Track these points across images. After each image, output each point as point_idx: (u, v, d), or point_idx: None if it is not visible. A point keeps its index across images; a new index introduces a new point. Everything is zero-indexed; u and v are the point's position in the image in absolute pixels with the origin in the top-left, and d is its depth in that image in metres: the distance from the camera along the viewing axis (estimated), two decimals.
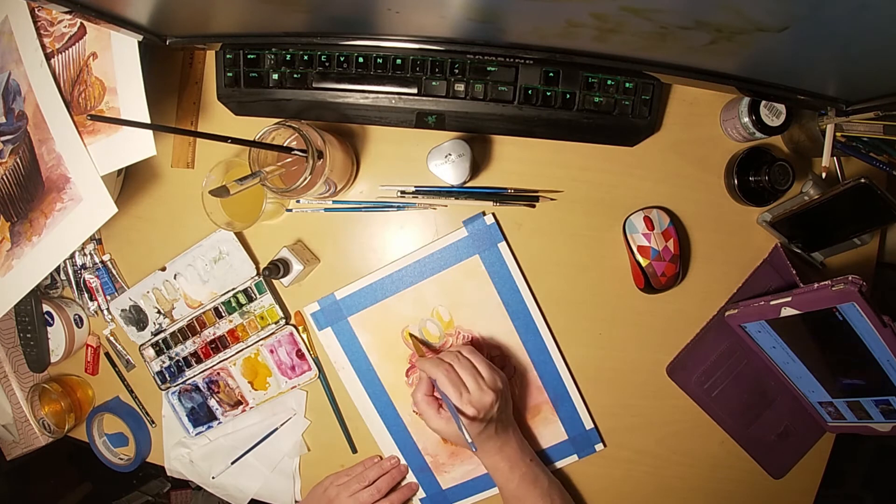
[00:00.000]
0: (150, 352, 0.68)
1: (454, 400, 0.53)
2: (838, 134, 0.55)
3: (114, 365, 0.71)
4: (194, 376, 0.68)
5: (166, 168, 0.66)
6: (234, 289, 0.65)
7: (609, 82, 0.56)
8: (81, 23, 0.55)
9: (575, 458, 0.66)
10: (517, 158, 0.62)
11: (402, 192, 0.62)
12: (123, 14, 0.49)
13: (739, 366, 0.64)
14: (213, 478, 0.69)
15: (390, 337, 0.64)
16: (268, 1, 0.46)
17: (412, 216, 0.64)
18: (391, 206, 0.63)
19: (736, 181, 0.59)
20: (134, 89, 0.53)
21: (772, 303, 0.55)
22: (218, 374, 0.67)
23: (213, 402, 0.68)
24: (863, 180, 0.49)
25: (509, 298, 0.62)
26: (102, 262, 0.68)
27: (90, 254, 0.68)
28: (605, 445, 0.65)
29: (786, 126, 0.57)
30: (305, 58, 0.57)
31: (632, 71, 0.54)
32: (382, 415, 0.65)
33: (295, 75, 0.57)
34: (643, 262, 0.60)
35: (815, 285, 0.51)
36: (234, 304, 0.65)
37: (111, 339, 0.70)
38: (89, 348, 0.71)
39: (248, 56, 0.57)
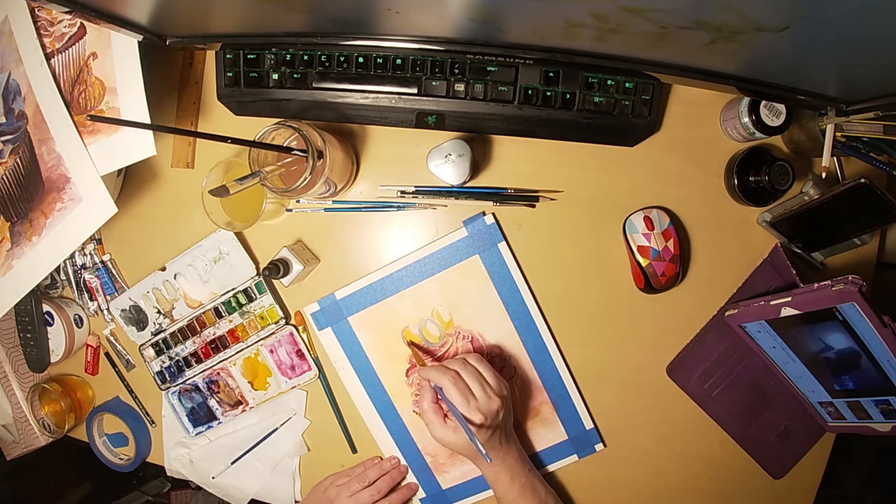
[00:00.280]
0: (150, 352, 0.68)
1: (461, 408, 0.52)
2: (838, 134, 0.55)
3: (114, 365, 0.71)
4: (194, 376, 0.68)
5: (166, 168, 0.66)
6: (234, 289, 0.65)
7: (609, 82, 0.56)
8: (81, 23, 0.55)
9: (575, 458, 0.66)
10: (517, 158, 0.62)
11: (402, 192, 0.62)
12: (123, 14, 0.49)
13: (739, 366, 0.64)
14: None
15: (390, 337, 0.64)
16: (268, 1, 0.46)
17: (412, 216, 0.64)
18: (391, 206, 0.63)
19: (736, 181, 0.59)
20: (134, 89, 0.53)
21: (772, 303, 0.55)
22: (218, 374, 0.67)
23: (213, 402, 0.68)
24: (863, 180, 0.50)
25: (509, 298, 0.62)
26: (102, 262, 0.68)
27: (90, 254, 0.68)
28: (605, 445, 0.66)
29: (786, 126, 0.57)
30: (305, 58, 0.57)
31: (632, 71, 0.54)
32: (382, 415, 0.65)
33: (295, 75, 0.57)
34: (643, 262, 0.60)
35: (815, 285, 0.51)
36: (234, 304, 0.65)
37: (111, 339, 0.70)
38: (89, 348, 0.71)
39: (248, 56, 0.57)
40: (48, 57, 0.56)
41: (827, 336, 0.54)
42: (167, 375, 0.68)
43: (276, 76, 0.57)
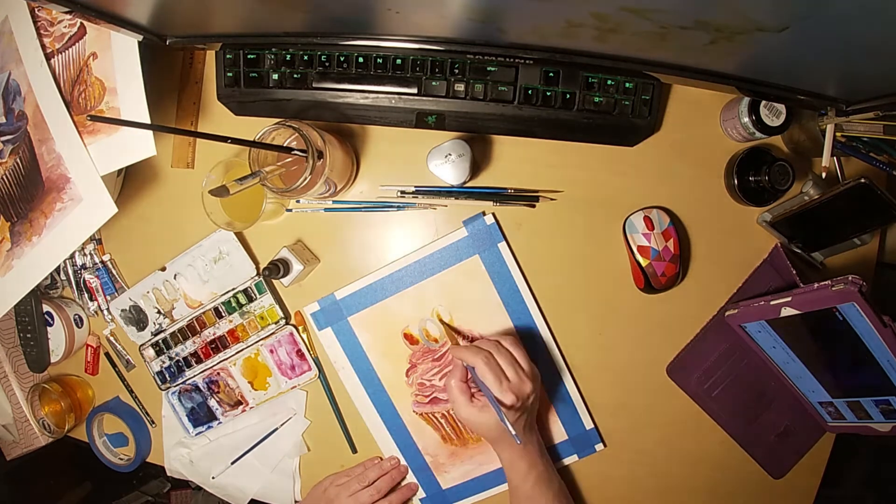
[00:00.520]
0: (150, 352, 0.68)
1: (494, 388, 0.51)
2: (838, 134, 0.55)
3: (114, 365, 0.71)
4: (194, 376, 0.68)
5: (166, 168, 0.66)
6: (234, 289, 0.65)
7: (609, 82, 0.56)
8: (81, 23, 0.55)
9: (575, 458, 0.66)
10: (517, 158, 0.62)
11: (402, 192, 0.62)
12: (123, 14, 0.49)
13: (739, 366, 0.64)
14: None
15: (390, 337, 0.64)
16: (268, 1, 0.46)
17: (412, 216, 0.64)
18: (391, 206, 0.63)
19: (736, 181, 0.59)
20: (134, 89, 0.53)
21: (772, 303, 0.55)
22: (218, 374, 0.67)
23: (213, 402, 0.68)
24: (863, 180, 0.50)
25: (509, 298, 0.62)
26: (102, 262, 0.68)
27: (90, 254, 0.68)
28: (605, 445, 0.65)
29: (786, 126, 0.57)
30: (305, 58, 0.57)
31: (632, 71, 0.54)
32: (382, 415, 0.65)
33: (295, 75, 0.57)
34: (643, 262, 0.60)
35: (815, 285, 0.51)
36: (234, 304, 0.65)
37: (111, 339, 0.70)
38: (89, 348, 0.71)
39: (248, 56, 0.57)
40: (48, 57, 0.56)
41: (827, 336, 0.54)
42: (167, 375, 0.68)
43: (276, 76, 0.57)
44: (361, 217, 0.64)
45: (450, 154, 0.56)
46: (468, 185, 0.62)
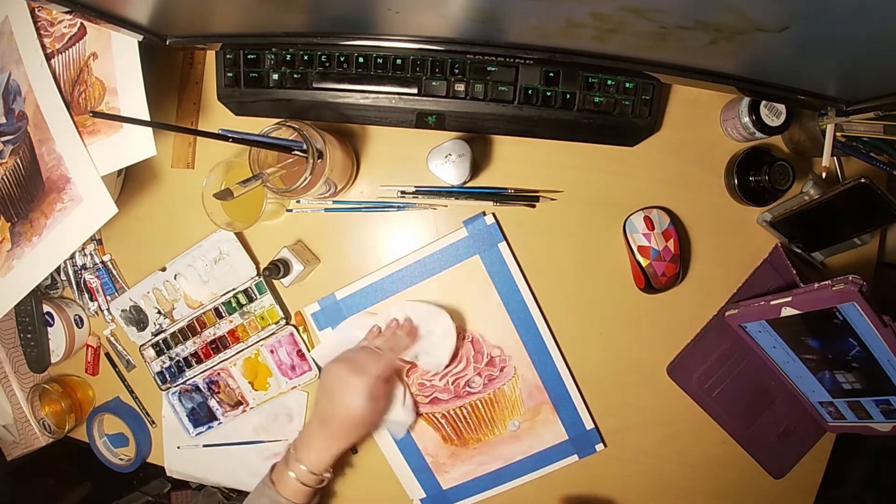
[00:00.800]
0: (151, 352, 0.68)
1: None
2: (838, 134, 0.55)
3: (114, 365, 0.71)
4: (194, 376, 0.68)
5: (166, 168, 0.66)
6: (234, 289, 0.65)
7: (609, 82, 0.56)
8: (81, 23, 0.55)
9: (575, 458, 0.66)
10: (517, 158, 0.62)
11: (402, 192, 0.62)
12: (123, 14, 0.49)
13: (739, 366, 0.64)
14: (178, 447, 0.70)
15: None
16: (268, 1, 0.46)
17: (412, 216, 0.64)
18: (391, 206, 0.63)
19: (736, 181, 0.59)
20: (134, 89, 0.53)
21: (772, 303, 0.55)
22: (218, 374, 0.67)
23: (213, 403, 0.68)
24: (863, 180, 0.50)
25: (509, 298, 0.62)
26: (102, 262, 0.68)
27: (90, 254, 0.68)
28: (605, 445, 0.65)
29: (786, 126, 0.57)
30: (305, 58, 0.57)
31: (632, 71, 0.54)
32: None
33: (295, 75, 0.57)
34: (643, 262, 0.60)
35: (815, 285, 0.51)
36: (234, 305, 0.65)
37: (111, 339, 0.70)
38: (89, 349, 0.71)
39: (248, 56, 0.57)
40: (48, 57, 0.56)
41: (827, 336, 0.54)
42: (167, 376, 0.68)
43: (276, 76, 0.57)
44: (361, 217, 0.64)
45: (450, 154, 0.56)
46: (468, 185, 0.62)
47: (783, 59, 0.44)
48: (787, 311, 0.54)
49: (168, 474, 0.72)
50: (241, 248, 0.63)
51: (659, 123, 0.61)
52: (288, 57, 0.57)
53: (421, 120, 0.59)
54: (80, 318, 0.70)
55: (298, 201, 0.64)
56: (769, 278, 0.62)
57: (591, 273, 0.63)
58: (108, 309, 0.68)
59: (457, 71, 0.56)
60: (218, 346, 0.66)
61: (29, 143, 0.57)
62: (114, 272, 0.68)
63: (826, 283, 0.50)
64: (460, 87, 0.56)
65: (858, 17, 0.33)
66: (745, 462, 0.66)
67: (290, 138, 0.53)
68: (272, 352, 0.66)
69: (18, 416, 0.72)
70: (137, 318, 0.68)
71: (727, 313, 0.61)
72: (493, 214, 0.62)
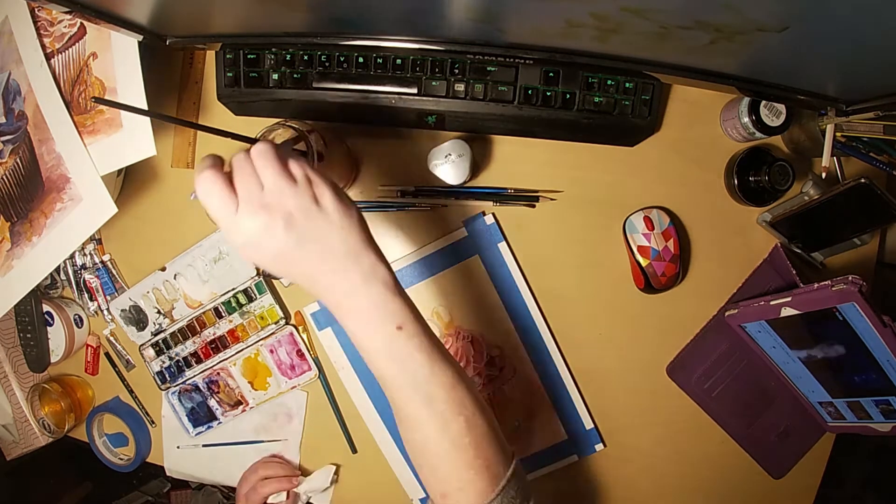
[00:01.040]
0: (150, 352, 0.68)
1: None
2: (838, 134, 0.55)
3: (114, 365, 0.71)
4: (194, 376, 0.68)
5: (166, 168, 0.66)
6: (234, 289, 0.65)
7: (609, 82, 0.56)
8: (81, 23, 0.55)
9: (575, 458, 0.66)
10: (517, 158, 0.62)
11: (402, 192, 0.62)
12: (123, 14, 0.49)
13: (739, 366, 0.64)
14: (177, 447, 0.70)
15: None
16: (268, 1, 0.46)
17: (412, 216, 0.64)
18: (391, 206, 0.63)
19: (736, 181, 0.59)
20: (134, 89, 0.53)
21: (772, 303, 0.55)
22: (218, 374, 0.67)
23: (213, 402, 0.68)
24: (863, 180, 0.50)
25: (509, 298, 0.62)
26: (102, 262, 0.68)
27: (90, 254, 0.68)
28: (605, 445, 0.65)
29: (786, 126, 0.57)
30: (305, 58, 0.57)
31: (632, 71, 0.54)
32: (382, 415, 0.65)
33: (295, 75, 0.57)
34: (643, 262, 0.60)
35: (815, 285, 0.51)
36: (234, 304, 0.65)
37: (111, 339, 0.70)
38: (89, 348, 0.71)
39: (248, 56, 0.57)
40: (48, 57, 0.56)
41: (827, 336, 0.54)
42: (167, 375, 0.68)
43: (276, 76, 0.57)
44: None
45: (450, 154, 0.56)
46: (468, 185, 0.62)
47: (783, 59, 0.44)
48: (787, 311, 0.54)
49: (168, 474, 0.72)
50: None
51: (659, 123, 0.61)
52: (288, 57, 0.57)
53: (421, 120, 0.59)
54: (79, 317, 0.70)
55: None
56: (769, 278, 0.62)
57: (590, 273, 0.63)
58: (107, 309, 0.68)
59: (457, 71, 0.56)
60: (218, 345, 0.66)
61: (29, 143, 0.57)
62: (113, 272, 0.68)
63: (826, 283, 0.50)
64: (460, 87, 0.56)
65: (858, 17, 0.33)
66: (745, 462, 0.66)
67: (290, 138, 0.53)
68: (272, 351, 0.66)
69: (18, 415, 0.72)
70: (137, 318, 0.68)
71: (727, 313, 0.61)
72: (493, 214, 0.62)
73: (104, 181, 0.54)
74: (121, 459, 0.73)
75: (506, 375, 0.63)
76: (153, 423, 0.71)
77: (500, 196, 0.61)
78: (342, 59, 0.56)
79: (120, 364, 0.71)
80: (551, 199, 0.62)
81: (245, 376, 0.67)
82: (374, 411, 0.65)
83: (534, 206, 0.62)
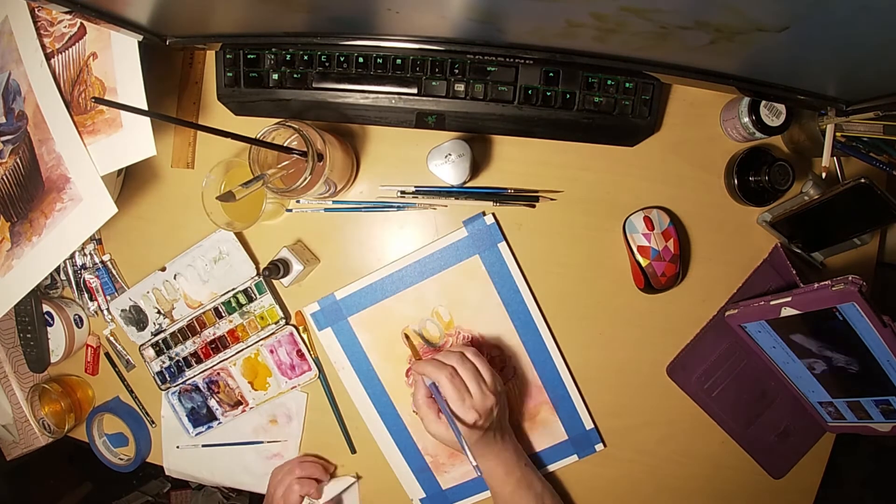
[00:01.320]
0: (150, 352, 0.68)
1: (456, 406, 0.51)
2: (838, 134, 0.55)
3: (114, 365, 0.71)
4: (194, 376, 0.68)
5: (166, 168, 0.66)
6: (234, 289, 0.65)
7: (609, 82, 0.56)
8: (81, 23, 0.55)
9: (575, 458, 0.66)
10: (517, 158, 0.62)
11: (402, 192, 0.62)
12: (123, 14, 0.49)
13: (739, 366, 0.64)
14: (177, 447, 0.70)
15: (390, 337, 0.64)
16: (268, 1, 0.46)
17: (412, 216, 0.64)
18: (391, 206, 0.63)
19: (736, 181, 0.59)
20: (134, 89, 0.53)
21: (772, 303, 0.55)
22: (218, 374, 0.67)
23: (213, 403, 0.68)
24: (863, 180, 0.50)
25: (509, 298, 0.62)
26: (102, 262, 0.68)
27: (90, 254, 0.68)
28: (605, 445, 0.65)
29: (786, 126, 0.57)
30: (305, 58, 0.57)
31: (632, 71, 0.54)
32: (382, 415, 0.65)
33: (295, 75, 0.57)
34: (643, 262, 0.60)
35: (815, 285, 0.51)
36: (234, 305, 0.65)
37: (111, 339, 0.70)
38: (89, 348, 0.71)
39: (248, 56, 0.57)
40: (48, 57, 0.56)
41: (827, 336, 0.54)
42: (167, 375, 0.68)
43: (276, 76, 0.57)
44: (361, 217, 0.64)
45: (450, 154, 0.56)
46: (468, 185, 0.62)
47: (783, 59, 0.44)
48: (787, 311, 0.54)
49: (167, 474, 0.72)
50: (241, 248, 0.63)
51: (659, 123, 0.61)
52: (288, 57, 0.57)
53: (421, 120, 0.59)
54: (79, 317, 0.70)
55: (298, 201, 0.64)
56: (769, 278, 0.62)
57: (590, 273, 0.63)
58: (107, 309, 0.68)
59: (457, 71, 0.56)
60: (217, 345, 0.66)
61: (29, 143, 0.57)
62: (113, 272, 0.68)
63: (826, 283, 0.50)
64: (460, 87, 0.56)
65: (858, 17, 0.33)
66: (745, 462, 0.66)
67: (290, 138, 0.53)
68: (272, 352, 0.66)
69: (18, 415, 0.72)
70: (137, 318, 0.68)
71: (727, 313, 0.61)
72: (493, 214, 0.62)
73: (104, 181, 0.54)
74: (121, 459, 0.73)
75: (506, 375, 0.64)
76: (153, 423, 0.71)
77: (500, 196, 0.61)
78: (342, 59, 0.56)
79: (120, 364, 0.71)
80: (551, 199, 0.62)
81: (245, 376, 0.67)
82: (374, 411, 0.65)
83: (534, 206, 0.62)
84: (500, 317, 0.63)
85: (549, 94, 0.56)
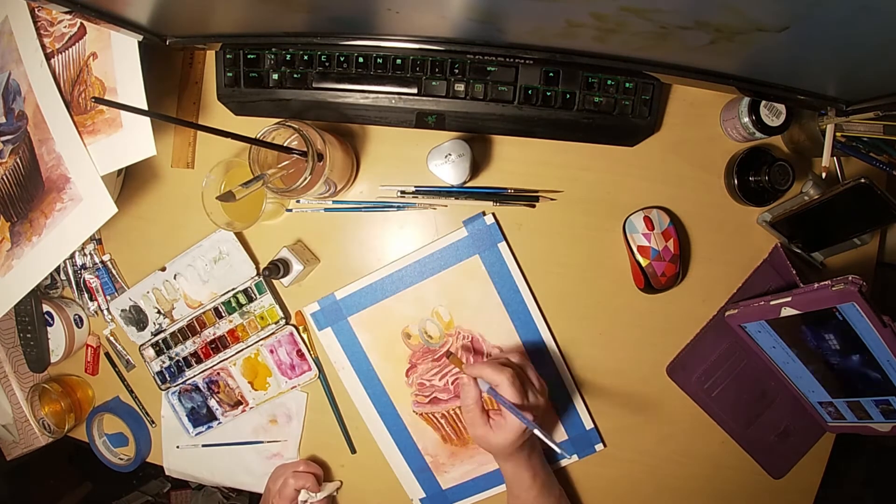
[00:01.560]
0: (150, 352, 0.68)
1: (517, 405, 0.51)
2: (838, 134, 0.55)
3: (114, 365, 0.71)
4: (194, 376, 0.68)
5: (166, 168, 0.66)
6: (234, 289, 0.65)
7: (609, 82, 0.56)
8: (81, 23, 0.55)
9: (575, 458, 0.66)
10: (517, 158, 0.62)
11: (402, 192, 0.62)
12: (123, 14, 0.49)
13: (739, 366, 0.64)
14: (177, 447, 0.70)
15: (390, 337, 0.64)
16: (268, 1, 0.46)
17: (412, 216, 0.64)
18: (391, 206, 0.63)
19: (736, 181, 0.59)
20: (134, 89, 0.53)
21: (772, 303, 0.55)
22: (218, 374, 0.67)
23: (213, 403, 0.68)
24: (863, 180, 0.49)
25: (509, 298, 0.62)
26: (102, 262, 0.68)
27: (90, 254, 0.68)
28: (605, 445, 0.65)
29: (786, 126, 0.57)
30: (305, 58, 0.57)
31: (632, 71, 0.54)
32: (382, 415, 0.65)
33: (295, 75, 0.57)
34: (643, 262, 0.60)
35: (815, 285, 0.51)
36: (234, 305, 0.65)
37: (111, 339, 0.70)
38: (89, 348, 0.71)
39: (248, 56, 0.57)
40: (48, 57, 0.56)
41: (827, 336, 0.54)
42: (167, 375, 0.68)
43: (276, 76, 0.57)
44: (361, 217, 0.64)
45: (450, 154, 0.56)
46: (468, 185, 0.62)
47: (783, 59, 0.44)
48: (787, 311, 0.54)
49: (167, 474, 0.72)
50: (241, 248, 0.63)
51: (659, 123, 0.61)
52: (288, 57, 0.57)
53: (421, 120, 0.59)
54: (79, 317, 0.70)
55: (298, 201, 0.64)
56: (769, 278, 0.62)
57: (590, 273, 0.63)
58: (107, 309, 0.68)
59: (457, 71, 0.56)
60: (217, 345, 0.66)
61: (29, 143, 0.57)
62: (113, 272, 0.68)
63: (826, 283, 0.50)
64: (460, 87, 0.56)
65: (858, 17, 0.33)
66: (745, 462, 0.66)
67: (290, 138, 0.53)
68: (272, 351, 0.66)
69: (18, 415, 0.72)
70: (137, 318, 0.68)
71: (727, 313, 0.61)
72: (493, 214, 0.62)
73: (104, 181, 0.54)
74: (121, 459, 0.73)
75: None
76: (153, 423, 0.71)
77: (500, 196, 0.61)
78: (342, 59, 0.56)
79: (120, 364, 0.71)
80: (551, 199, 0.62)
81: (245, 376, 0.67)
82: (374, 411, 0.65)
83: (534, 206, 0.62)
84: (499, 317, 0.63)
85: (549, 94, 0.56)
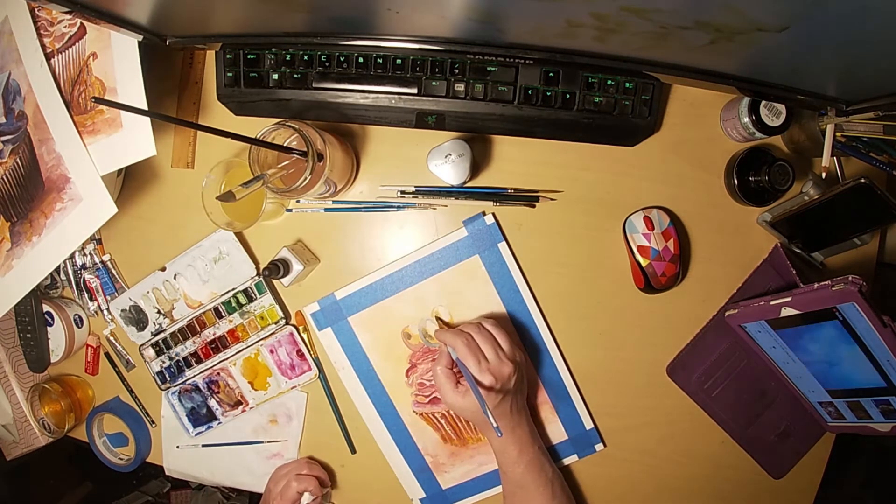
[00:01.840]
0: (150, 352, 0.68)
1: (472, 368, 0.52)
2: (838, 134, 0.55)
3: (114, 365, 0.71)
4: (194, 376, 0.68)
5: (166, 168, 0.66)
6: (234, 289, 0.65)
7: (609, 82, 0.56)
8: (81, 23, 0.55)
9: (575, 458, 0.66)
10: (517, 158, 0.62)
11: (402, 192, 0.62)
12: (123, 14, 0.49)
13: (739, 366, 0.64)
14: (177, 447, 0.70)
15: (390, 337, 0.64)
16: (268, 1, 0.46)
17: (412, 216, 0.64)
18: (391, 206, 0.63)
19: (736, 181, 0.59)
20: (134, 89, 0.53)
21: (772, 303, 0.55)
22: (218, 374, 0.67)
23: (213, 403, 0.68)
24: (863, 180, 0.50)
25: (509, 298, 0.62)
26: (102, 262, 0.68)
27: (90, 254, 0.68)
28: (605, 445, 0.65)
29: (786, 126, 0.57)
30: (305, 58, 0.57)
31: (632, 71, 0.54)
32: (382, 415, 0.65)
33: (295, 75, 0.57)
34: (643, 262, 0.60)
35: (815, 285, 0.51)
36: (234, 305, 0.65)
37: (111, 339, 0.70)
38: (89, 348, 0.71)
39: (248, 56, 0.57)
40: (48, 57, 0.56)
41: (827, 336, 0.54)
42: (167, 375, 0.68)
43: (276, 76, 0.57)
44: (361, 217, 0.64)
45: (450, 154, 0.56)
46: (468, 185, 0.62)
47: (783, 59, 0.44)
48: (787, 311, 0.54)
49: (167, 474, 0.72)
50: (241, 248, 0.63)
51: (659, 123, 0.61)
52: (288, 57, 0.57)
53: (421, 120, 0.59)
54: (79, 317, 0.70)
55: (298, 201, 0.64)
56: (769, 278, 0.62)
57: (590, 273, 0.63)
58: (107, 309, 0.68)
59: (457, 71, 0.56)
60: (217, 345, 0.66)
61: (29, 143, 0.57)
62: (113, 272, 0.68)
63: (826, 283, 0.50)
64: (460, 87, 0.56)
65: (859, 17, 0.34)
66: (745, 462, 0.66)
67: (290, 138, 0.53)
68: (272, 351, 0.66)
69: (18, 415, 0.72)
70: (137, 318, 0.68)
71: (727, 313, 0.61)
72: (493, 214, 0.62)
73: (104, 181, 0.54)
74: (121, 459, 0.73)
75: None
76: (153, 423, 0.71)
77: (500, 196, 0.61)
78: (342, 59, 0.56)
79: (120, 364, 0.71)
80: (551, 199, 0.62)
81: (245, 376, 0.67)
82: (374, 411, 0.65)
83: (534, 206, 0.62)
84: (500, 317, 0.63)
85: (549, 94, 0.56)
